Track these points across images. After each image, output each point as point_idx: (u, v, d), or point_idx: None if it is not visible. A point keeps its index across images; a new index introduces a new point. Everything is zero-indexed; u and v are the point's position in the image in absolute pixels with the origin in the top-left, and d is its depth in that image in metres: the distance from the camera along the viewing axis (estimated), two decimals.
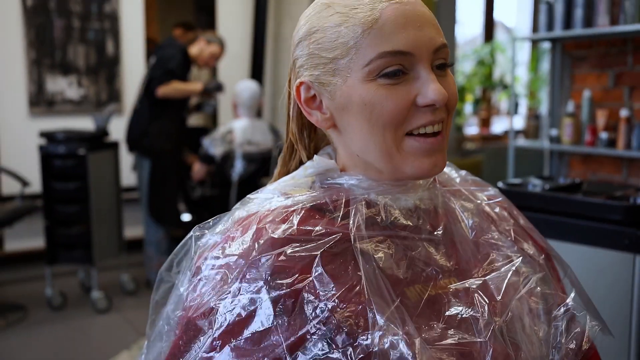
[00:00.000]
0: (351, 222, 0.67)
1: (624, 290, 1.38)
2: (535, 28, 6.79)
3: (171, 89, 3.54)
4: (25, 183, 3.44)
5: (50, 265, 3.40)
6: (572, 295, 0.76)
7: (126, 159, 4.03)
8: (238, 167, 3.71)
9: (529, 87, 7.17)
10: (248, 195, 0.76)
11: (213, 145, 3.70)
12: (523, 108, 7.25)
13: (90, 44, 4.21)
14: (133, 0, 4.35)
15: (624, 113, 2.62)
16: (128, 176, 4.15)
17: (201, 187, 3.94)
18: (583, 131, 2.83)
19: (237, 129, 3.74)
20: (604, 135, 2.71)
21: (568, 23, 2.75)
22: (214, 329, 0.64)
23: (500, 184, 1.64)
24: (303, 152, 0.78)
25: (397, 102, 0.66)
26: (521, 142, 3.12)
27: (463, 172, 0.85)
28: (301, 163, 0.79)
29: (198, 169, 3.77)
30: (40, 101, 4.08)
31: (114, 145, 3.60)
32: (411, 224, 0.71)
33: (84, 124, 3.97)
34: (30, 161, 3.82)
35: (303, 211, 0.69)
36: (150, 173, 3.63)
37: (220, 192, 3.79)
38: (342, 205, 0.69)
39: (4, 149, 3.98)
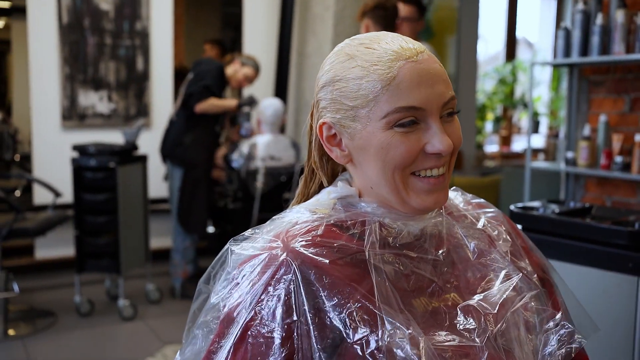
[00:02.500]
0: (366, 240, 0.78)
1: (627, 311, 1.45)
2: (556, 49, 6.83)
3: (208, 104, 3.72)
4: (57, 194, 3.58)
5: (79, 273, 3.54)
6: (560, 312, 0.85)
7: (154, 171, 4.17)
8: (260, 182, 3.83)
9: (550, 106, 7.21)
10: (276, 215, 0.87)
11: (237, 160, 3.82)
12: (544, 127, 7.29)
13: (120, 60, 4.38)
14: (163, 19, 4.51)
15: (638, 138, 2.68)
16: (155, 188, 4.28)
17: (224, 199, 4.05)
18: (599, 154, 2.89)
19: (259, 144, 3.86)
20: (619, 159, 2.76)
21: (585, 50, 2.82)
22: (246, 319, 0.73)
23: (512, 207, 1.72)
24: (324, 177, 0.89)
25: (409, 148, 0.76)
26: (538, 163, 3.17)
27: (469, 196, 0.95)
28: (320, 185, 0.91)
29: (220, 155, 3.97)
30: (73, 115, 4.24)
31: (143, 159, 3.74)
32: (418, 246, 0.81)
33: (113, 137, 4.12)
34: (62, 172, 3.97)
35: (326, 226, 0.80)
36: (182, 182, 3.77)
37: (243, 205, 3.90)
38: (359, 225, 0.80)
39: (37, 161, 4.15)
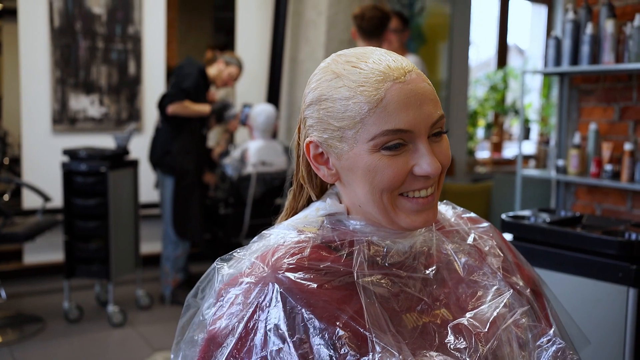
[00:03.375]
0: (355, 260, 0.78)
1: (617, 320, 1.45)
2: (546, 58, 6.88)
3: (181, 107, 3.65)
4: (47, 198, 3.56)
5: (68, 279, 3.51)
6: (554, 327, 0.85)
7: (145, 176, 4.15)
8: (252, 188, 3.82)
9: (541, 113, 7.26)
10: (264, 231, 0.86)
11: (230, 166, 3.81)
12: (535, 134, 7.33)
13: (112, 64, 4.36)
14: (155, 23, 4.50)
15: (628, 147, 2.69)
16: (145, 192, 4.26)
17: (216, 204, 4.04)
18: (589, 163, 2.91)
19: (251, 149, 3.86)
20: (608, 167, 2.78)
21: (575, 59, 2.84)
22: (233, 345, 0.73)
23: (503, 216, 1.73)
24: (312, 191, 0.89)
25: (397, 171, 0.75)
26: (528, 171, 3.19)
27: (459, 210, 0.95)
28: (309, 198, 0.90)
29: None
30: (63, 119, 4.22)
31: (134, 163, 3.72)
32: (407, 264, 0.81)
33: (105, 141, 4.11)
34: (52, 177, 3.94)
35: (313, 247, 0.79)
36: (174, 190, 3.74)
37: (235, 211, 3.89)
38: (347, 245, 0.80)
39: (27, 165, 4.12)
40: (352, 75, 0.77)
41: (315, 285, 0.74)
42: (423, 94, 0.76)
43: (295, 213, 0.90)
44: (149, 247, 4.37)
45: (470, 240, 0.89)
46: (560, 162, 3.01)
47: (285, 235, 0.82)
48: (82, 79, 4.27)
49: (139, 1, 4.38)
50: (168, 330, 3.40)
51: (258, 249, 0.81)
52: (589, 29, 2.75)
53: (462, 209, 0.95)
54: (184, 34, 6.01)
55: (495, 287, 0.83)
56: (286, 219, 0.91)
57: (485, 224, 0.93)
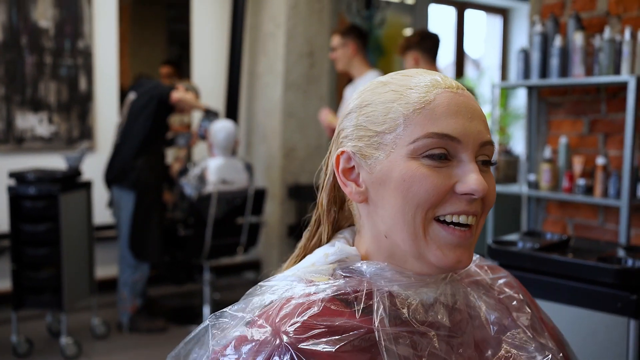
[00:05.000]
0: (375, 316, 0.66)
1: (618, 354, 1.37)
2: (504, 66, 6.95)
3: (183, 94, 3.58)
4: None
5: (17, 310, 3.27)
6: None
7: (99, 197, 3.94)
8: (213, 207, 3.66)
9: (499, 122, 7.32)
10: (266, 282, 0.73)
11: (189, 186, 3.65)
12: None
13: (62, 80, 4.14)
14: (106, 37, 4.31)
15: (600, 161, 2.66)
16: (100, 213, 4.05)
17: (175, 225, 3.86)
18: (560, 177, 2.86)
19: (211, 168, 3.70)
20: (581, 182, 2.74)
21: (544, 72, 2.80)
22: None
23: (489, 242, 1.64)
24: (327, 226, 0.78)
25: (436, 184, 0.66)
26: (500, 187, 3.13)
27: (476, 257, 0.84)
28: (320, 240, 0.79)
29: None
30: (9, 138, 3.97)
31: (87, 185, 3.51)
32: (432, 319, 0.70)
33: (55, 162, 3.88)
34: None
35: (325, 301, 0.67)
36: (135, 207, 3.55)
37: (195, 232, 3.72)
38: (364, 297, 0.68)
39: None
40: (401, 81, 0.71)
41: (332, 349, 0.62)
42: (474, 110, 0.69)
43: (306, 254, 0.79)
44: (104, 271, 4.14)
45: (497, 295, 0.79)
46: (532, 177, 2.96)
47: (291, 287, 0.70)
48: (29, 96, 4.03)
49: (88, 14, 4.18)
50: None
51: (259, 305, 0.69)
52: (557, 42, 2.72)
53: (478, 255, 0.85)
54: (137, 47, 5.80)
55: (529, 350, 0.73)
56: (295, 264, 0.79)
57: (504, 274, 0.84)
